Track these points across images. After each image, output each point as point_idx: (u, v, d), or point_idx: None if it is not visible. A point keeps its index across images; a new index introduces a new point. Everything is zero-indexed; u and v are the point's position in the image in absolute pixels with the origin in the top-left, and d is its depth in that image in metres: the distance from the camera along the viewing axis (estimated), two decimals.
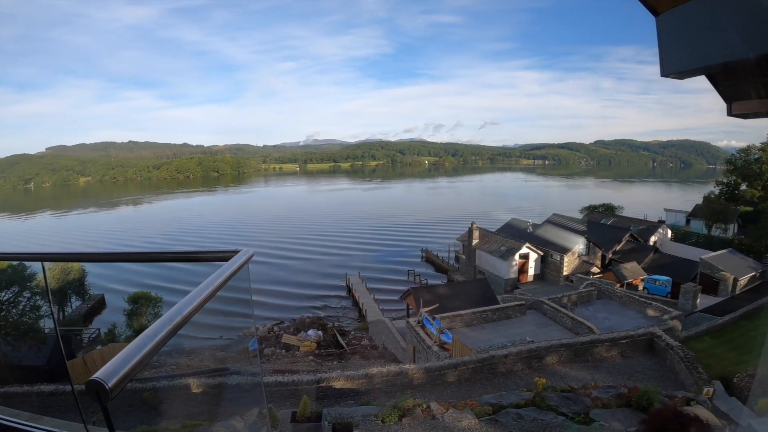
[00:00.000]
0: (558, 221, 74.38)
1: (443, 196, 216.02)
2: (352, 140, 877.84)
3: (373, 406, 13.59)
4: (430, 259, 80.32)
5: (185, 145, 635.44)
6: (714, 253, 56.41)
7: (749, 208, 78.16)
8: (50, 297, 19.66)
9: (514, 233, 68.00)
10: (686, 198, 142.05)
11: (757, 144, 79.16)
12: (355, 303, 57.46)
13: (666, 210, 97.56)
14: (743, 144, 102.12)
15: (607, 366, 22.01)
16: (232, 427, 7.77)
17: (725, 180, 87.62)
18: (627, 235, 66.85)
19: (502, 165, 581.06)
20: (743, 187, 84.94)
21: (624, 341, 23.37)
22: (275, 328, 46.56)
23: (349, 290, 61.93)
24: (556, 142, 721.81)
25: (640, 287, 53.76)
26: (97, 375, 1.33)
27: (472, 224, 67.79)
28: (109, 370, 1.36)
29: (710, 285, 50.80)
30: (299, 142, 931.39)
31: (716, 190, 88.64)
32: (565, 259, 59.99)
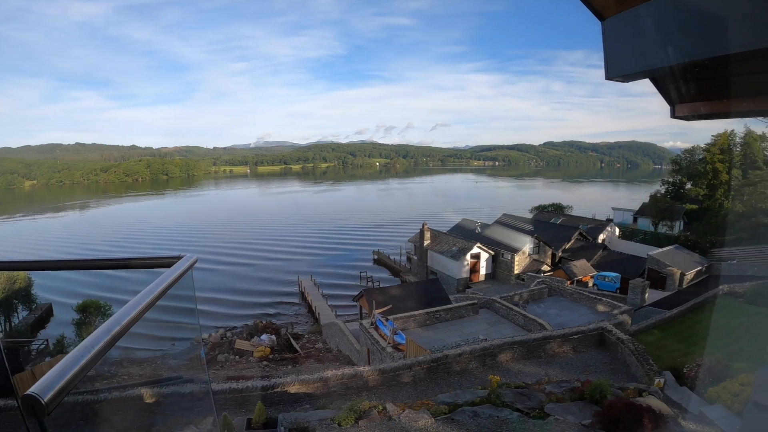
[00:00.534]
0: (507, 221, 75.36)
1: (394, 197, 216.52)
2: (303, 142, 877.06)
3: (329, 409, 13.48)
4: (382, 261, 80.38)
5: (134, 147, 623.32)
6: (661, 250, 57.88)
7: (694, 206, 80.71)
8: None
9: (465, 234, 68.59)
10: (633, 197, 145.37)
11: (702, 145, 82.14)
12: (308, 306, 57.13)
13: (614, 209, 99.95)
14: (688, 145, 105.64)
15: (560, 361, 22.30)
16: None
17: (671, 179, 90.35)
18: (576, 233, 68.13)
19: (452, 166, 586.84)
20: (688, 186, 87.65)
21: (576, 336, 23.71)
22: (228, 334, 45.96)
23: (302, 294, 61.52)
24: (506, 144, 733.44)
25: (590, 284, 54.77)
26: (32, 389, 1.28)
27: (423, 225, 68.11)
28: (45, 384, 1.30)
29: (658, 280, 52.07)
30: (250, 144, 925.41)
31: (662, 189, 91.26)
32: (516, 258, 60.70)
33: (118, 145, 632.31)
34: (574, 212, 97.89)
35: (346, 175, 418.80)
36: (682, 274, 52.63)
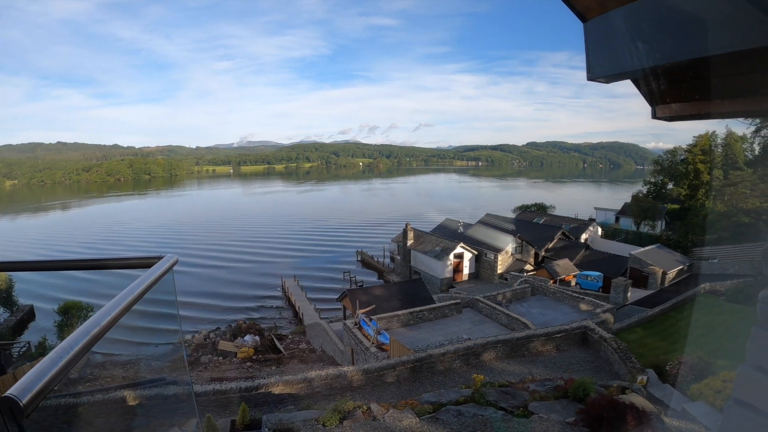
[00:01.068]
0: (489, 221, 75.52)
1: (378, 197, 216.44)
2: (287, 142, 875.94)
3: (314, 410, 13.45)
4: (365, 261, 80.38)
5: (116, 146, 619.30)
6: (643, 249, 58.37)
7: (676, 206, 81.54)
8: None
9: (449, 233, 68.79)
10: (616, 197, 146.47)
11: (683, 146, 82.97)
12: (292, 306, 57.02)
13: (596, 209, 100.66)
14: (670, 146, 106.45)
15: (544, 360, 22.41)
16: None
17: (653, 180, 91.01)
18: (559, 233, 68.50)
19: (436, 166, 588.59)
20: (670, 186, 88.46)
21: (559, 335, 23.84)
22: (211, 335, 45.78)
23: (286, 294, 61.35)
24: (489, 144, 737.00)
25: (573, 283, 55.10)
26: (10, 391, 1.27)
27: (406, 225, 68.20)
28: (23, 386, 1.29)
29: (640, 279, 52.47)
30: (233, 143, 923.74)
31: (644, 189, 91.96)
32: (499, 257, 60.92)
33: (100, 145, 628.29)
34: (557, 212, 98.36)
35: (329, 175, 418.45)
36: (664, 273, 53.07)
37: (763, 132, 67.33)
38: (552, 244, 66.75)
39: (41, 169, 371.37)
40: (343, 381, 18.68)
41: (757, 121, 59.86)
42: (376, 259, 78.40)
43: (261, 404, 16.91)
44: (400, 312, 32.21)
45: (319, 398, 17.39)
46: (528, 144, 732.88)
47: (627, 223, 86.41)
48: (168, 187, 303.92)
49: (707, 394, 15.45)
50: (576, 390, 13.17)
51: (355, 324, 31.36)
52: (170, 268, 2.62)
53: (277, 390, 17.60)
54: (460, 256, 61.92)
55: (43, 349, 34.07)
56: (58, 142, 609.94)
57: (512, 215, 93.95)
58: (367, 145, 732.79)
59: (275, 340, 43.47)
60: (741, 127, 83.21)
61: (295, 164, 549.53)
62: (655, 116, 4.03)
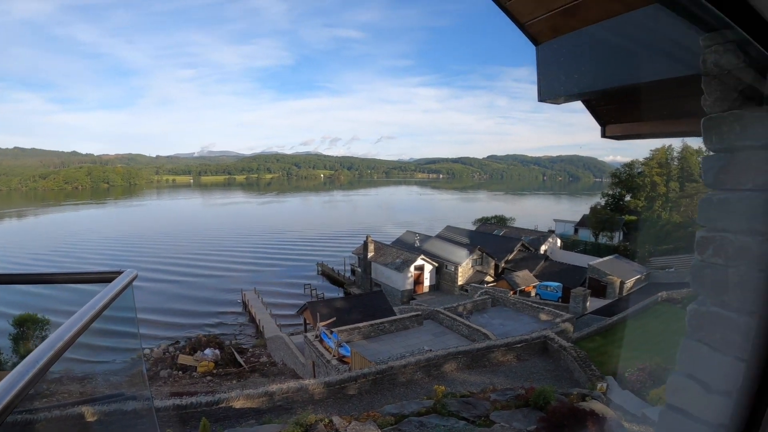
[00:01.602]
0: (448, 234, 75.94)
1: (339, 209, 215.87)
2: (248, 152, 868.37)
3: (275, 424, 13.39)
4: (326, 273, 79.75)
5: (74, 153, 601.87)
6: (601, 259, 59.28)
7: (633, 218, 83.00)
8: None
9: (409, 246, 68.79)
10: (574, 209, 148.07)
11: (641, 159, 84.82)
12: (252, 319, 56.32)
13: (555, 220, 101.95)
14: (628, 159, 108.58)
15: (504, 370, 22.62)
16: None
17: (611, 192, 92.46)
18: (519, 245, 68.94)
19: (397, 178, 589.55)
20: (627, 198, 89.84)
21: (519, 345, 24.11)
22: (170, 349, 45.07)
23: (246, 307, 60.59)
24: (450, 157, 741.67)
25: (533, 293, 55.54)
26: None
27: (367, 237, 67.99)
28: None
29: (599, 289, 53.18)
30: (194, 153, 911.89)
31: (602, 201, 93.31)
32: (460, 269, 61.16)
33: (58, 151, 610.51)
34: (517, 224, 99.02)
35: (290, 187, 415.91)
36: (622, 283, 53.87)
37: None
38: (512, 255, 67.21)
39: None
40: (304, 394, 18.61)
41: None
42: (337, 272, 77.93)
43: (222, 419, 16.76)
44: (361, 324, 32.18)
45: (280, 412, 17.29)
46: (489, 157, 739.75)
47: (586, 235, 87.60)
48: (127, 197, 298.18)
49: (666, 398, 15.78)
50: (537, 398, 13.34)
51: (316, 337, 31.29)
52: (130, 283, 2.64)
53: (238, 404, 17.46)
54: (420, 268, 62.00)
55: None
56: (15, 147, 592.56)
57: (473, 227, 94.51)
58: (328, 156, 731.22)
59: (236, 353, 43.02)
60: (697, 141, 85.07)
61: (256, 175, 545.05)
62: (604, 135, 4.24)
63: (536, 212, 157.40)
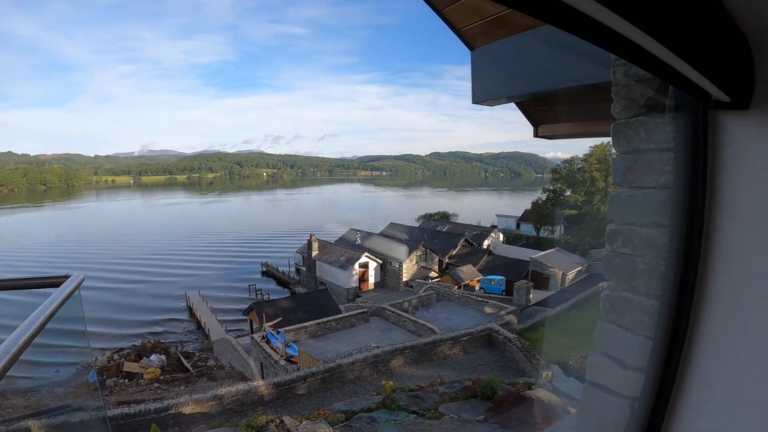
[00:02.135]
0: (389, 232, 76.29)
1: (282, 208, 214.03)
2: (189, 151, 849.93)
3: (226, 427, 13.40)
4: (270, 273, 79.06)
5: (9, 153, 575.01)
6: (543, 253, 60.17)
7: (573, 212, 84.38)
8: None
9: (352, 244, 68.88)
10: (516, 204, 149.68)
11: (580, 155, 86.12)
12: (198, 323, 55.55)
13: (498, 216, 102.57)
14: (568, 155, 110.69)
15: (451, 363, 22.97)
16: None
17: (552, 187, 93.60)
18: (462, 240, 69.59)
19: (340, 176, 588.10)
20: (568, 193, 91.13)
21: (465, 338, 24.51)
22: (116, 357, 44.13)
23: (191, 310, 59.67)
24: (394, 154, 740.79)
25: (477, 288, 56.08)
26: None
27: (311, 236, 67.77)
28: None
29: (541, 281, 54.06)
30: (134, 152, 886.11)
31: (543, 197, 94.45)
32: (404, 265, 61.49)
33: None
34: (460, 220, 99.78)
35: (232, 186, 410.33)
36: (564, 275, 54.84)
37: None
38: (455, 251, 67.83)
39: None
40: (254, 396, 18.58)
41: None
42: (281, 271, 77.29)
43: (172, 425, 16.62)
44: (307, 323, 32.16)
45: (231, 415, 17.23)
46: (432, 154, 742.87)
47: (527, 229, 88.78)
48: (65, 199, 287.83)
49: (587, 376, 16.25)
50: (484, 389, 13.61)
51: (263, 338, 31.18)
52: (77, 287, 2.64)
53: (187, 410, 17.33)
54: (365, 266, 62.09)
55: None
56: None
57: (416, 224, 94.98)
58: (271, 155, 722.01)
59: (182, 358, 42.41)
60: None
61: (197, 174, 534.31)
62: (536, 135, 4.48)
63: (479, 208, 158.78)
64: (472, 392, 13.99)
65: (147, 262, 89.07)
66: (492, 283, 55.20)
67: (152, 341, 46.79)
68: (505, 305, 36.26)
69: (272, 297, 59.12)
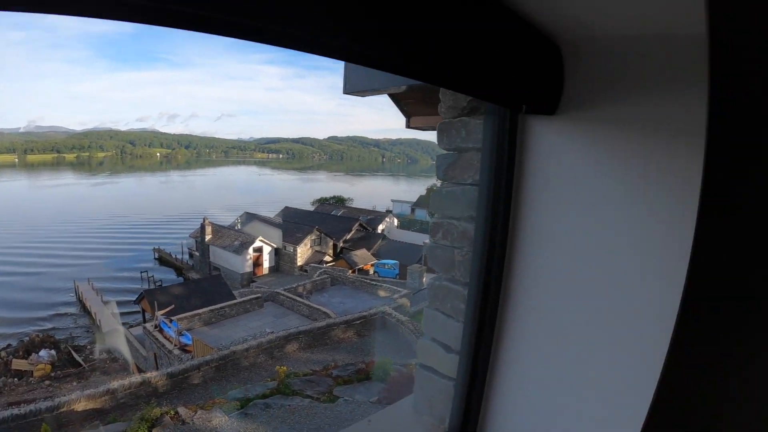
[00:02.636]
0: (284, 216, 76.09)
1: (176, 191, 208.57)
2: (80, 128, 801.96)
3: (120, 422, 13.29)
4: (163, 259, 77.03)
5: None
6: None
7: None
8: None
9: (236, 229, 68.36)
10: (412, 190, 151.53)
11: None
12: (88, 313, 53.55)
13: (393, 201, 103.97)
14: None
15: (346, 346, 23.44)
16: None
17: None
18: (356, 224, 70.15)
19: (236, 158, 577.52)
20: None
21: (358, 322, 25.05)
22: (2, 354, 42.07)
23: (81, 301, 57.47)
24: (291, 137, 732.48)
25: (371, 272, 56.83)
26: None
27: (204, 220, 66.55)
28: None
29: None
30: (19, 128, 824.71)
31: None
32: (299, 250, 61.51)
33: None
34: (355, 204, 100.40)
35: (124, 166, 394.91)
36: None
37: None
38: (350, 235, 68.30)
39: None
40: (147, 388, 18.39)
41: None
42: (174, 257, 75.66)
43: (65, 424, 16.25)
44: (201, 310, 31.96)
45: (125, 409, 17.01)
46: (329, 138, 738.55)
47: (422, 214, 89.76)
48: None
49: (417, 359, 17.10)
50: (377, 371, 14.07)
51: (156, 327, 30.64)
52: None
53: (80, 407, 16.97)
54: (259, 250, 61.59)
55: None
56: None
57: (311, 208, 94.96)
58: (165, 134, 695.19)
59: (73, 352, 40.95)
60: None
61: (87, 153, 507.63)
62: (408, 126, 4.81)
63: (375, 193, 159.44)
64: (365, 374, 14.42)
65: (32, 250, 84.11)
66: (386, 267, 55.96)
67: (41, 335, 44.86)
68: (399, 289, 37.11)
69: (165, 283, 57.70)
